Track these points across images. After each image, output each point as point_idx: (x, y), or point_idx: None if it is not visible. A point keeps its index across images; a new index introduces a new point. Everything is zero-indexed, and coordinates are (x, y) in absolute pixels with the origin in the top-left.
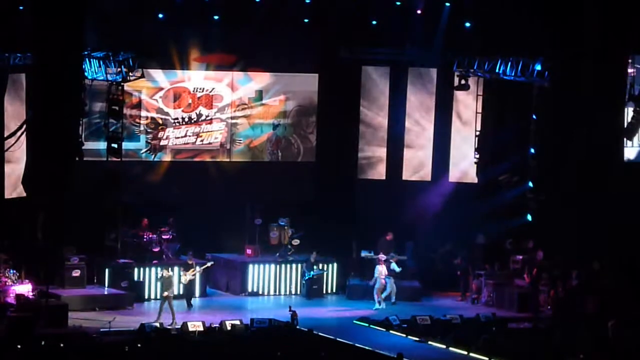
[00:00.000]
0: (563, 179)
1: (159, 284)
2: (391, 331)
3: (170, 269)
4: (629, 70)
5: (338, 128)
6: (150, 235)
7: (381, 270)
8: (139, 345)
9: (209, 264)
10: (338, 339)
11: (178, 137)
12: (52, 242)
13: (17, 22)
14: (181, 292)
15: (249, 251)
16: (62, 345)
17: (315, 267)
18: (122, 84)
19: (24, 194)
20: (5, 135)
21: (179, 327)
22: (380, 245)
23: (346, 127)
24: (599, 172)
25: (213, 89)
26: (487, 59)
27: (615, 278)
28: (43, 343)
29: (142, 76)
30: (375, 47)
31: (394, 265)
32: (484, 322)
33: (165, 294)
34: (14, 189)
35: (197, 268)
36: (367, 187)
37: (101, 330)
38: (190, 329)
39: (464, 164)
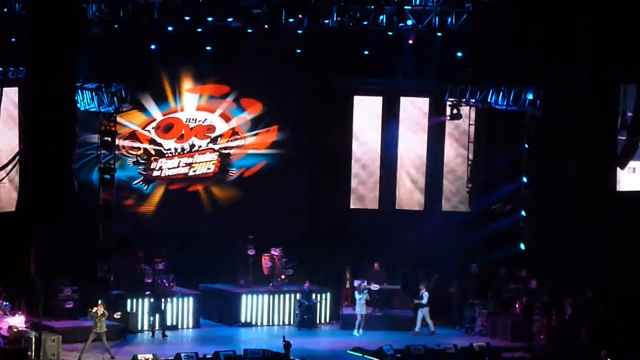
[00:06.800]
0: (556, 208)
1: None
2: None
3: (102, 305)
4: None
5: (330, 158)
6: (144, 266)
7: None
8: None
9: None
10: None
11: (171, 168)
12: (45, 274)
13: (10, 51)
14: (156, 323)
15: (242, 282)
16: None
17: (311, 296)
18: (114, 115)
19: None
20: None
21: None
22: (369, 275)
23: (338, 157)
24: (592, 201)
25: (206, 119)
26: (479, 88)
27: (608, 307)
28: None
29: (132, 108)
30: (368, 77)
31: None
32: (477, 351)
33: (96, 330)
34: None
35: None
36: (360, 216)
37: None
38: None
39: (456, 193)
